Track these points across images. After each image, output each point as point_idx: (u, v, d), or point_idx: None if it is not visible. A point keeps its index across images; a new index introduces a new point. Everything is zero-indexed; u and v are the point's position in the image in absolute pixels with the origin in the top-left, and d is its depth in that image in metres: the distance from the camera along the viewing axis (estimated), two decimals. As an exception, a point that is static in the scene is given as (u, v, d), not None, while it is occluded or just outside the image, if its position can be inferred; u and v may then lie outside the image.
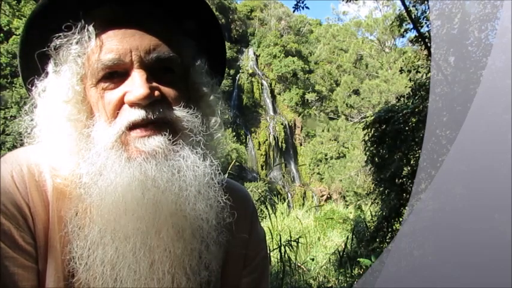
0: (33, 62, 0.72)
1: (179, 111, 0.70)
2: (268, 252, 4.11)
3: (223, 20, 36.28)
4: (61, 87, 0.70)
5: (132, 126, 0.67)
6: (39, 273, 0.65)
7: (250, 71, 36.33)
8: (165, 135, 0.67)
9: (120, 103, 0.68)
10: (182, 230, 0.68)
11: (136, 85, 0.66)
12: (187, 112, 0.71)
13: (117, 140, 0.67)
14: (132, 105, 0.67)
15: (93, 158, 0.66)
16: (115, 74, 0.69)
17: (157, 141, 0.66)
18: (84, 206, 0.67)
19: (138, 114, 0.66)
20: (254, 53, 38.23)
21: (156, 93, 0.68)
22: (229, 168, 5.40)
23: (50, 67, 0.71)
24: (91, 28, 0.69)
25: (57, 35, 0.68)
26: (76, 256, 0.66)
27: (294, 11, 6.40)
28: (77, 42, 0.69)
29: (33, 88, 0.73)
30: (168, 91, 0.70)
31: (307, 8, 6.13)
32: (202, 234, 0.71)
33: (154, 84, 0.68)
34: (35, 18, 0.70)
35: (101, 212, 0.66)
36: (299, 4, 6.10)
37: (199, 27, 0.80)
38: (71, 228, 0.67)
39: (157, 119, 0.67)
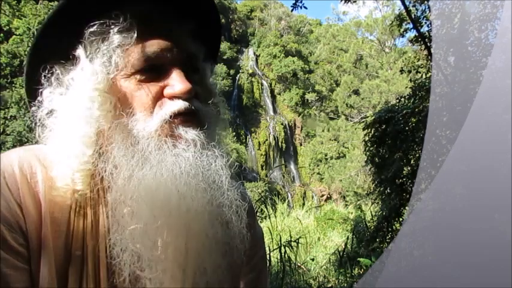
0: (50, 52, 0.71)
1: (208, 108, 0.76)
2: (268, 252, 4.12)
3: (223, 20, 36.26)
4: (94, 75, 0.70)
5: (174, 117, 0.69)
6: (32, 275, 0.65)
7: (250, 71, 36.33)
8: (201, 127, 0.71)
9: (160, 95, 0.71)
10: (216, 217, 0.70)
11: (179, 80, 0.70)
12: (212, 109, 0.77)
13: (159, 128, 0.68)
14: (173, 98, 0.70)
15: (133, 148, 0.67)
16: (153, 68, 0.71)
17: (197, 132, 0.70)
18: (127, 196, 0.67)
19: (182, 104, 0.70)
20: (254, 53, 38.23)
21: (193, 89, 0.72)
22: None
23: (82, 53, 0.71)
24: (133, 20, 0.70)
25: (97, 22, 0.69)
26: (115, 251, 0.66)
27: (292, 10, 6.39)
28: (118, 32, 0.70)
29: (46, 78, 0.71)
30: (198, 89, 0.74)
31: (305, 7, 6.11)
32: (238, 220, 0.73)
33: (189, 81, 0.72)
34: (65, 7, 0.69)
35: (144, 201, 0.66)
36: (297, 3, 6.08)
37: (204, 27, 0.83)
38: (117, 218, 0.67)
39: (195, 109, 0.72)
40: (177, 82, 0.70)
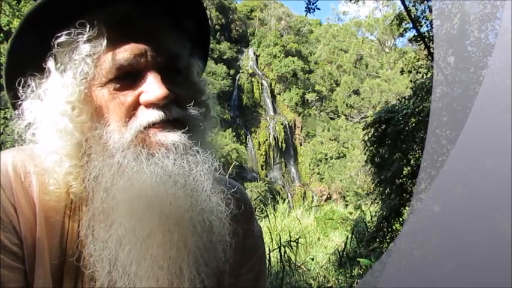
0: (24, 64, 0.69)
1: (190, 111, 0.72)
2: (268, 252, 4.12)
3: (223, 20, 36.29)
4: (65, 88, 0.68)
5: (150, 126, 0.67)
6: (27, 274, 0.65)
7: (250, 71, 36.34)
8: (181, 131, 0.68)
9: (135, 104, 0.68)
10: (197, 224, 0.68)
11: (154, 86, 0.66)
12: (195, 112, 0.72)
13: (134, 139, 0.66)
14: (149, 106, 0.67)
15: (109, 160, 0.66)
16: (127, 75, 0.68)
17: (177, 135, 0.67)
18: (107, 206, 0.66)
19: (158, 114, 0.67)
20: (254, 53, 38.24)
21: (171, 94, 0.68)
22: (229, 170, 5.41)
23: (52, 66, 0.69)
24: (102, 27, 0.67)
25: (64, 32, 0.66)
26: (94, 259, 0.65)
27: (306, 14, 6.23)
28: (87, 41, 0.67)
29: (24, 89, 0.69)
30: (179, 92, 0.71)
31: (318, 9, 5.98)
32: (216, 229, 0.71)
33: (167, 85, 0.68)
34: (33, 17, 0.66)
35: (125, 211, 0.65)
36: (310, 6, 5.97)
37: (193, 23, 0.79)
38: (85, 231, 0.66)
39: (173, 119, 0.68)
40: (152, 88, 0.66)
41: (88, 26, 0.66)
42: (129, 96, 0.68)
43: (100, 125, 0.67)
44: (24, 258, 0.65)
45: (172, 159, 0.66)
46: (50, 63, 0.69)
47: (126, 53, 0.67)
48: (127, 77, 0.68)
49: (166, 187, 0.65)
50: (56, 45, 0.67)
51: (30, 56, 0.69)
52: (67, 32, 0.66)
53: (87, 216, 0.67)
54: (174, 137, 0.67)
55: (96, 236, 0.66)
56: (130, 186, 0.65)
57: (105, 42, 0.67)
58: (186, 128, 0.69)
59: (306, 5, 5.96)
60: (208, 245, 0.70)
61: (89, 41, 0.67)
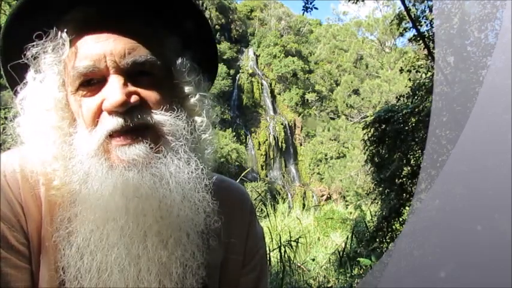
0: (14, 71, 0.69)
1: (160, 115, 0.67)
2: (268, 252, 4.12)
3: (223, 20, 36.27)
4: (42, 95, 0.68)
5: (113, 134, 0.65)
6: (33, 274, 0.65)
7: (250, 71, 36.32)
8: (146, 142, 0.65)
9: (99, 110, 0.66)
10: (167, 238, 0.66)
11: (112, 92, 0.64)
12: (170, 115, 0.68)
13: (99, 148, 0.65)
14: (110, 112, 0.65)
15: (76, 167, 0.65)
16: (92, 81, 0.66)
17: (138, 150, 0.64)
18: (73, 212, 0.66)
19: (116, 122, 0.64)
20: (254, 53, 38.22)
21: (134, 98, 0.65)
22: (242, 175, 5.41)
23: (30, 75, 0.69)
24: (64, 34, 0.66)
25: (32, 44, 0.66)
26: (63, 264, 0.65)
27: (303, 13, 6.25)
28: (52, 50, 0.67)
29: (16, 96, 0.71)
30: (148, 94, 0.67)
31: (315, 8, 5.98)
32: (188, 242, 0.69)
33: (132, 89, 0.66)
34: (8, 28, 0.67)
35: (85, 220, 0.65)
36: (307, 5, 5.99)
37: (184, 22, 0.76)
38: (60, 234, 0.66)
39: (136, 125, 0.65)
40: (110, 94, 0.64)
41: (51, 34, 0.66)
42: (93, 102, 0.66)
43: (73, 131, 0.67)
44: (30, 257, 0.65)
45: (134, 173, 0.64)
46: (29, 74, 0.69)
47: (85, 60, 0.65)
48: (92, 83, 0.66)
49: (127, 200, 0.64)
50: (29, 55, 0.67)
51: (12, 65, 0.69)
52: (32, 44, 0.66)
53: (59, 220, 0.67)
54: (133, 151, 0.64)
55: (65, 242, 0.66)
56: (92, 196, 0.64)
57: (67, 50, 0.66)
58: (152, 136, 0.66)
59: (303, 4, 5.97)
60: (181, 259, 0.68)
61: (53, 49, 0.67)
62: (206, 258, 0.72)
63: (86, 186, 0.65)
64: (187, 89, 0.75)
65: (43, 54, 0.67)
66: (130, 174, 0.64)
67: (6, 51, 0.69)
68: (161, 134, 0.68)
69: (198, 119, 0.76)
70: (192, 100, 0.76)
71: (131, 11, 0.69)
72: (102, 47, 0.65)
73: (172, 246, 0.67)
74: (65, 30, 0.67)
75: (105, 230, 0.64)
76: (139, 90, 0.66)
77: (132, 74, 0.66)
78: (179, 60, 0.75)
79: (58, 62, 0.67)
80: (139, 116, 0.65)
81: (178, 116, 0.70)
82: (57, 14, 0.68)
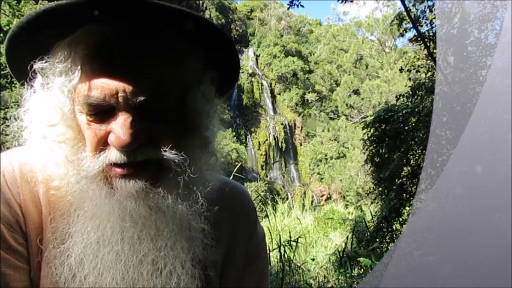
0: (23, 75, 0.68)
1: (167, 153, 0.65)
2: (268, 252, 4.12)
3: (223, 20, 36.27)
4: (50, 106, 0.66)
5: (114, 165, 0.64)
6: (32, 274, 0.65)
7: (250, 71, 36.31)
8: (147, 177, 0.64)
9: (105, 139, 0.64)
10: (162, 268, 0.67)
11: (120, 131, 0.61)
12: (176, 154, 0.65)
13: (99, 173, 0.64)
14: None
15: (76, 186, 0.65)
16: (101, 108, 0.64)
17: (138, 185, 0.64)
18: (67, 232, 0.66)
19: (120, 157, 0.63)
20: (254, 53, 38.22)
21: (141, 138, 0.63)
22: (233, 171, 5.44)
23: (38, 83, 0.67)
24: (77, 59, 0.63)
25: (38, 62, 0.65)
26: (58, 274, 0.65)
27: (288, 8, 6.42)
28: (60, 73, 0.64)
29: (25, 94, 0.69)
30: (158, 130, 0.64)
31: (301, 6, 6.14)
32: (183, 272, 0.69)
33: (141, 125, 0.62)
34: (16, 37, 0.63)
35: (82, 241, 0.65)
36: (294, 2, 6.12)
37: (207, 40, 0.70)
38: (52, 253, 0.65)
39: (140, 161, 0.64)
40: (118, 132, 0.61)
41: (62, 56, 0.63)
42: (101, 129, 0.64)
43: (80, 148, 0.66)
44: (29, 258, 0.65)
45: (132, 202, 0.64)
46: (36, 82, 0.68)
47: (97, 91, 0.61)
48: (101, 111, 0.64)
49: (123, 226, 0.64)
50: (36, 71, 0.65)
51: (23, 69, 0.67)
52: (42, 61, 0.64)
53: (50, 231, 0.66)
54: (133, 186, 0.64)
55: (49, 258, 0.65)
56: (88, 218, 0.64)
57: (78, 76, 0.63)
58: (154, 169, 0.65)
59: (290, 0, 6.07)
60: (177, 286, 0.68)
61: (61, 73, 0.64)
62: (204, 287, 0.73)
63: (84, 207, 0.65)
64: (201, 120, 0.71)
65: (52, 72, 0.65)
66: (128, 203, 0.64)
67: (13, 52, 0.67)
68: (163, 168, 0.66)
69: (204, 155, 0.73)
70: (203, 133, 0.72)
71: (152, 29, 0.64)
72: (115, 82, 0.61)
73: (167, 277, 0.67)
74: (77, 50, 0.63)
75: (100, 253, 0.64)
76: (149, 125, 0.64)
77: (144, 107, 0.63)
78: (198, 88, 0.70)
79: (67, 84, 0.64)
80: (144, 153, 0.64)
81: (185, 151, 0.67)
82: (70, 27, 0.64)
